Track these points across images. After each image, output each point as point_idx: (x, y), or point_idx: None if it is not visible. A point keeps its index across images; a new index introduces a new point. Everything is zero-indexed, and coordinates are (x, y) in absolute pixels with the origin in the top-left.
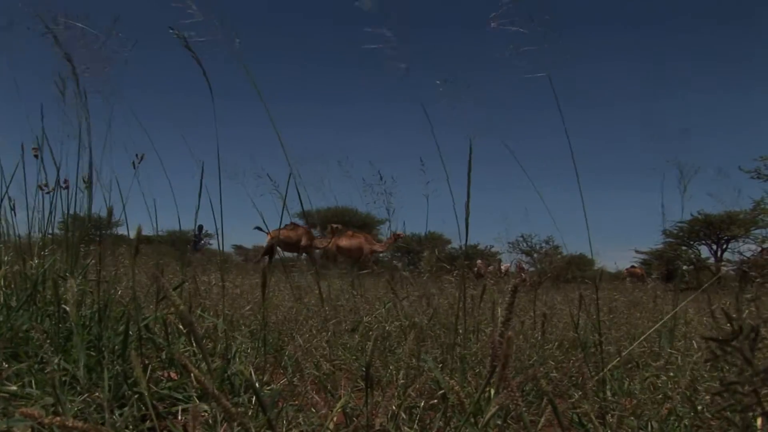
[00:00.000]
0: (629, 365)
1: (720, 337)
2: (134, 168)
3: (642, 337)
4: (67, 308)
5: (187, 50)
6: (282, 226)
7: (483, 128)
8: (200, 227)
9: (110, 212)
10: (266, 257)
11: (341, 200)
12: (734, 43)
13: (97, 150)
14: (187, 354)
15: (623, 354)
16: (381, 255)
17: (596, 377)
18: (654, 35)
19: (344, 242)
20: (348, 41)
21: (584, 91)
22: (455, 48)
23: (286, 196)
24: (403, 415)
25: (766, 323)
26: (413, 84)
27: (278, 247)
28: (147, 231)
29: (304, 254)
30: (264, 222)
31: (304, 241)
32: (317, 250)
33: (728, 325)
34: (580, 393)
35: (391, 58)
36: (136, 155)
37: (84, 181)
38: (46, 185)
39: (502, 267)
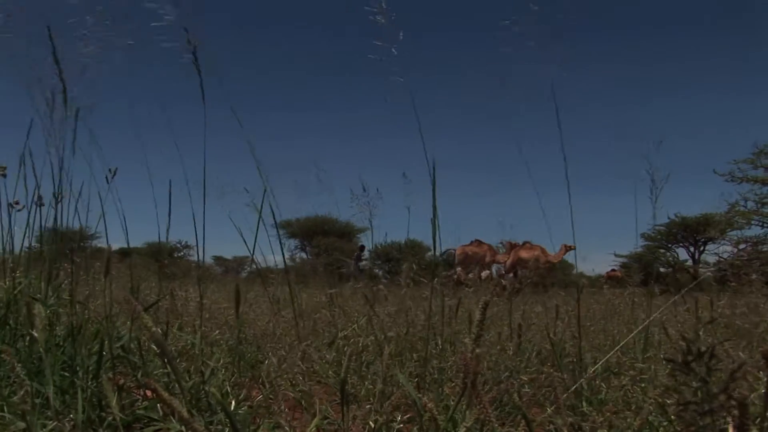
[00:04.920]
0: (606, 373)
1: (678, 359)
2: (108, 182)
3: (616, 348)
4: (35, 333)
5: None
6: (468, 243)
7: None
8: (362, 247)
9: (81, 230)
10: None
11: (323, 209)
12: (717, 45)
13: (74, 164)
14: (162, 373)
15: (596, 366)
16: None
17: (571, 389)
18: (635, 39)
19: (524, 254)
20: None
21: (568, 95)
22: (447, 54)
23: (261, 209)
24: None
25: (721, 344)
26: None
27: (466, 262)
28: (125, 244)
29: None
30: (242, 236)
31: (488, 257)
32: (498, 264)
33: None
34: (554, 406)
35: (393, 72)
36: (109, 170)
37: (54, 195)
38: (17, 202)
39: (482, 274)
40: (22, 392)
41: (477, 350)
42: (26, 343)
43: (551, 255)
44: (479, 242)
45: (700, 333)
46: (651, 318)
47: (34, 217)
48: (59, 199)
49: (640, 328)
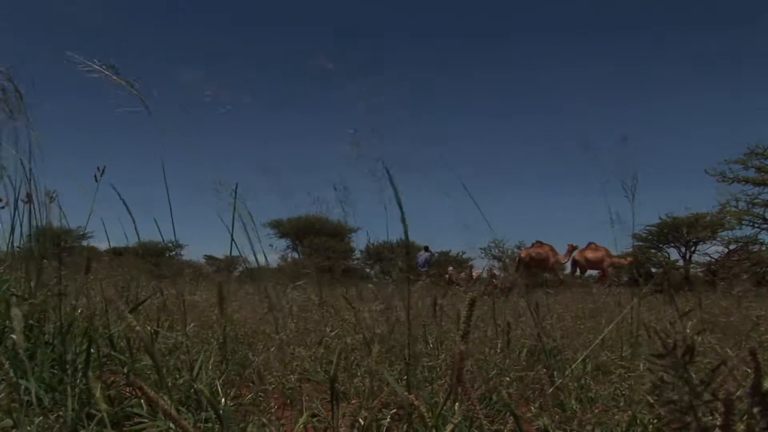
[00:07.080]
0: (595, 372)
1: (659, 353)
2: (96, 181)
3: (594, 344)
4: (14, 336)
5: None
6: (530, 246)
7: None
8: (426, 248)
9: (59, 233)
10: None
11: (307, 209)
12: (710, 46)
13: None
14: (152, 369)
15: (582, 362)
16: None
17: (556, 385)
18: (619, 40)
19: (590, 254)
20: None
21: (549, 96)
22: (407, 54)
23: (234, 205)
24: None
25: (699, 335)
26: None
27: (528, 264)
28: (119, 243)
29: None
30: (231, 235)
31: (551, 258)
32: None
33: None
34: (540, 403)
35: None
36: (98, 168)
37: (48, 195)
38: (6, 202)
39: (474, 273)
40: (4, 387)
41: (464, 347)
42: (14, 342)
43: (615, 258)
44: (540, 243)
45: (687, 329)
46: (637, 315)
47: (22, 215)
48: (29, 199)
49: (621, 323)
